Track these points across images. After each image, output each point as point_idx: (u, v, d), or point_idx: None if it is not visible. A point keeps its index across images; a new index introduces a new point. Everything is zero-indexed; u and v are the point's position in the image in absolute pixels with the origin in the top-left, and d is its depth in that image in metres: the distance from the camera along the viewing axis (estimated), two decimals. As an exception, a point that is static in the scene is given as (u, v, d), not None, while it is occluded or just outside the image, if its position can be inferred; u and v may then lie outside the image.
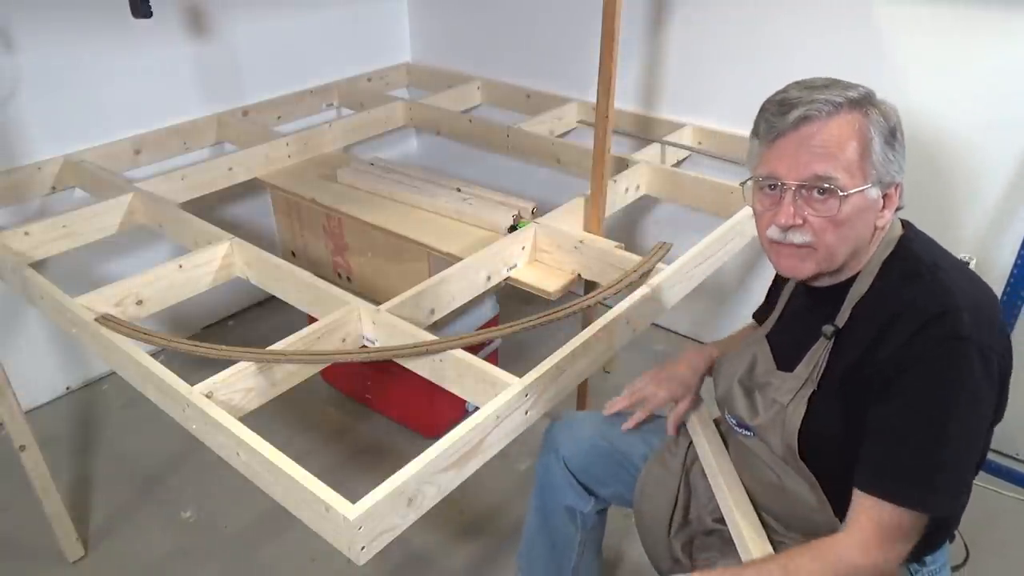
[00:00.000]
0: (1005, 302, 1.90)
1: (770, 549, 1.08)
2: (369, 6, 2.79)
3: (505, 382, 1.17)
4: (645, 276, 1.51)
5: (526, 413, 1.17)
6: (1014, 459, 2.10)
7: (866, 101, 0.97)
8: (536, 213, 1.88)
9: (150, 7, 1.76)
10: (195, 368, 1.32)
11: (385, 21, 2.88)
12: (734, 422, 1.14)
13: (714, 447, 1.24)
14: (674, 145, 2.19)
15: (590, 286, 1.71)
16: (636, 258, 1.56)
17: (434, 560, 1.82)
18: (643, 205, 2.47)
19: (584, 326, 1.38)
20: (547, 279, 1.68)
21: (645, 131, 2.36)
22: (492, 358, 2.20)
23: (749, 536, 1.09)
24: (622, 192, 1.95)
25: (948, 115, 1.85)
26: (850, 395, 0.98)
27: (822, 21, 1.95)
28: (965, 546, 1.23)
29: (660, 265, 1.54)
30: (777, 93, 1.01)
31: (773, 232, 1.00)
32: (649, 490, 1.27)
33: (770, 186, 1.00)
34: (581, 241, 1.65)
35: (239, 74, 2.46)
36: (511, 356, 2.36)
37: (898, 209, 1.02)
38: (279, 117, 2.55)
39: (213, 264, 1.60)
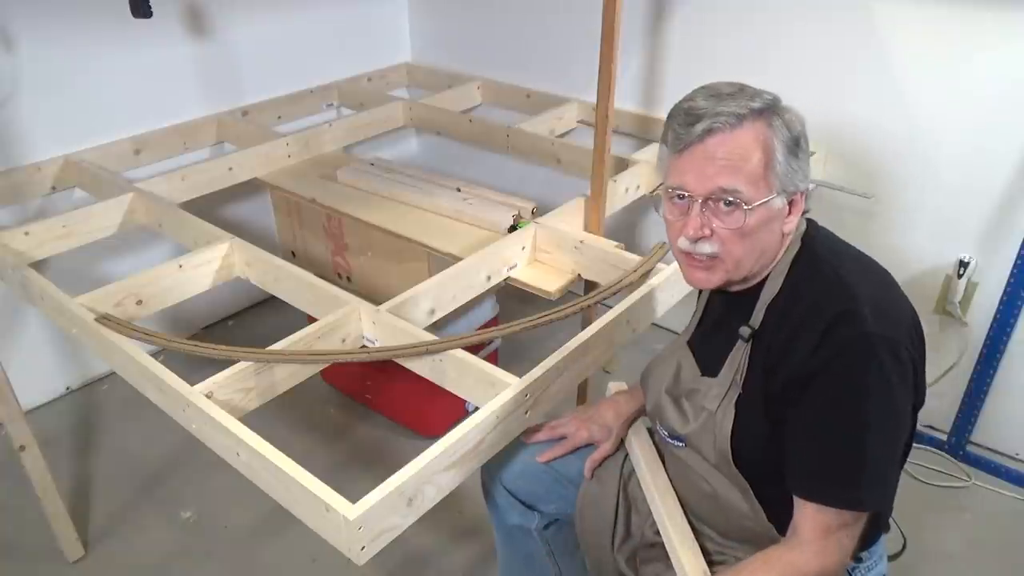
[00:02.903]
0: (1005, 302, 1.90)
1: (704, 565, 1.08)
2: (369, 6, 2.79)
3: (505, 382, 1.17)
4: (645, 276, 1.51)
5: (526, 413, 1.17)
6: (1014, 459, 2.10)
7: (770, 111, 0.97)
8: (536, 213, 1.88)
9: (150, 7, 1.76)
10: (195, 368, 1.32)
11: (385, 21, 2.88)
12: (665, 434, 1.14)
13: (648, 461, 1.24)
14: (674, 145, 2.18)
15: (590, 286, 1.71)
16: (636, 258, 1.56)
17: (434, 560, 1.83)
18: (643, 205, 2.46)
19: (584, 326, 1.38)
20: (547, 279, 1.68)
21: (645, 131, 2.36)
22: (492, 358, 2.20)
23: (683, 553, 1.09)
24: (622, 192, 1.95)
25: (948, 114, 1.85)
26: (771, 398, 0.99)
27: (822, 21, 1.95)
28: (902, 535, 1.25)
29: (660, 265, 1.54)
30: (684, 100, 1.01)
31: (683, 243, 1.01)
32: (587, 510, 1.27)
33: (679, 196, 1.00)
34: (581, 241, 1.65)
35: (239, 74, 2.46)
36: (511, 356, 2.36)
37: (805, 212, 1.03)
38: (279, 117, 2.55)
39: (213, 264, 1.60)
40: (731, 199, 0.96)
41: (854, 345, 0.92)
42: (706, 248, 1.00)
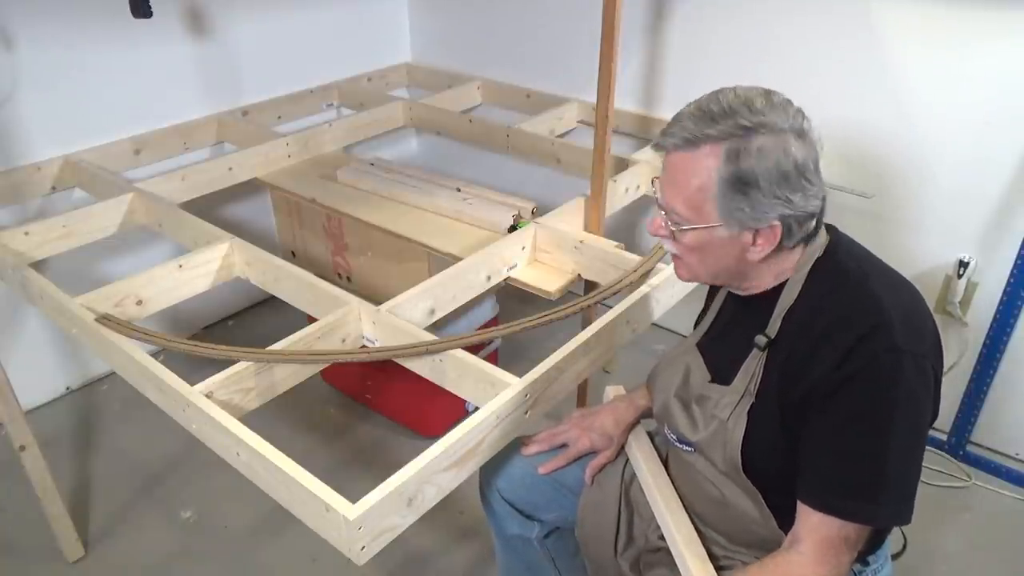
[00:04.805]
0: (1005, 302, 1.90)
1: (711, 569, 1.07)
2: (369, 6, 2.78)
3: (505, 382, 1.17)
4: (645, 276, 1.51)
5: (526, 413, 1.17)
6: (1014, 459, 2.10)
7: (739, 138, 0.92)
8: (536, 213, 1.88)
9: (150, 7, 1.76)
10: (195, 368, 1.32)
11: (385, 21, 2.88)
12: (674, 437, 1.13)
13: (651, 465, 1.23)
14: (674, 145, 2.18)
15: (590, 286, 1.71)
16: (636, 258, 1.56)
17: (434, 560, 1.83)
18: (643, 205, 2.47)
19: (584, 326, 1.38)
20: (547, 279, 1.68)
21: (645, 131, 2.36)
22: (492, 358, 2.20)
23: (690, 556, 1.09)
24: (622, 192, 1.95)
25: (948, 114, 1.85)
26: (788, 408, 0.98)
27: (821, 20, 1.95)
28: (903, 534, 1.25)
29: (660, 265, 1.54)
30: (685, 106, 1.00)
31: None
32: (589, 516, 1.27)
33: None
34: (581, 241, 1.65)
35: (239, 74, 2.46)
36: (511, 356, 2.36)
37: (811, 235, 0.99)
38: (279, 117, 2.55)
39: (213, 264, 1.60)
40: (671, 216, 1.01)
41: (884, 358, 0.91)
42: (667, 246, 1.06)
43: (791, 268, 1.02)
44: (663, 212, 1.03)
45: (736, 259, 1.00)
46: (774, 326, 1.01)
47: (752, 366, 1.02)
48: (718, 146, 0.93)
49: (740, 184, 0.93)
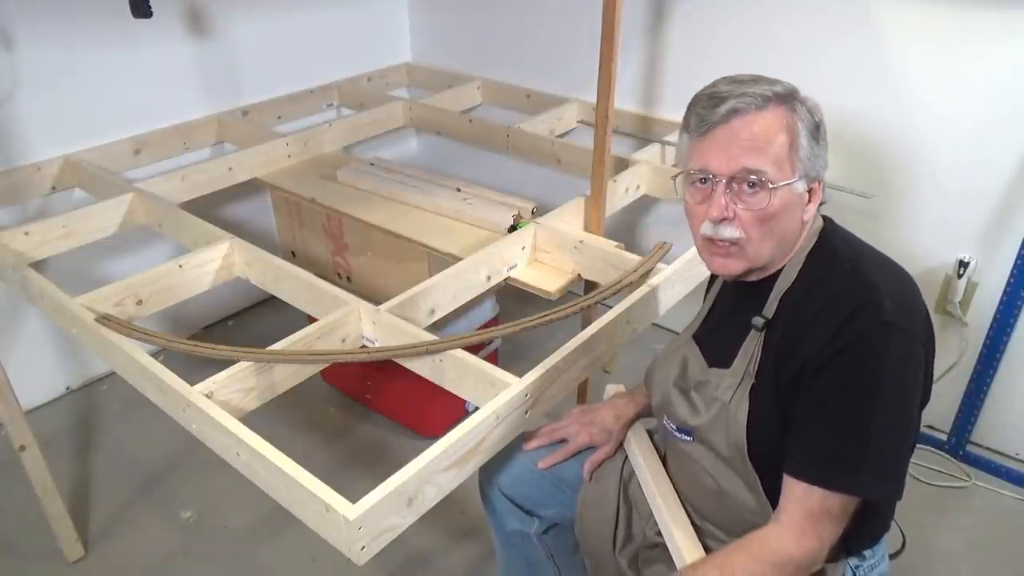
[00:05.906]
0: (1005, 302, 1.90)
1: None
2: (369, 6, 2.79)
3: (505, 382, 1.17)
4: (645, 276, 1.51)
5: (526, 413, 1.17)
6: (1014, 459, 2.10)
7: (791, 96, 0.99)
8: (536, 213, 1.88)
9: (150, 7, 1.76)
10: (195, 368, 1.32)
11: (385, 21, 2.88)
12: (673, 427, 1.13)
13: (649, 461, 1.23)
14: (674, 145, 2.19)
15: (590, 286, 1.72)
16: (636, 258, 1.56)
17: (434, 560, 1.83)
18: (643, 205, 2.47)
19: (584, 326, 1.38)
20: (547, 279, 1.68)
21: (645, 131, 2.36)
22: (492, 358, 2.20)
23: (686, 550, 1.09)
24: (622, 192, 1.95)
25: (948, 114, 1.85)
26: (783, 387, 0.99)
27: (822, 20, 1.95)
28: (902, 533, 1.25)
29: (660, 265, 1.54)
30: (706, 88, 1.01)
31: (706, 228, 1.01)
32: (588, 513, 1.27)
33: (701, 179, 1.00)
34: (581, 241, 1.65)
35: (239, 74, 2.46)
36: (511, 356, 2.37)
37: (822, 203, 1.04)
38: (279, 117, 2.55)
39: (213, 264, 1.60)
40: (755, 179, 0.96)
41: (872, 333, 0.92)
42: (727, 232, 0.99)
43: (795, 250, 1.03)
44: (728, 188, 0.97)
45: (796, 222, 1.01)
46: (771, 307, 1.02)
47: (751, 348, 1.03)
48: (786, 103, 0.97)
49: (816, 132, 0.99)
